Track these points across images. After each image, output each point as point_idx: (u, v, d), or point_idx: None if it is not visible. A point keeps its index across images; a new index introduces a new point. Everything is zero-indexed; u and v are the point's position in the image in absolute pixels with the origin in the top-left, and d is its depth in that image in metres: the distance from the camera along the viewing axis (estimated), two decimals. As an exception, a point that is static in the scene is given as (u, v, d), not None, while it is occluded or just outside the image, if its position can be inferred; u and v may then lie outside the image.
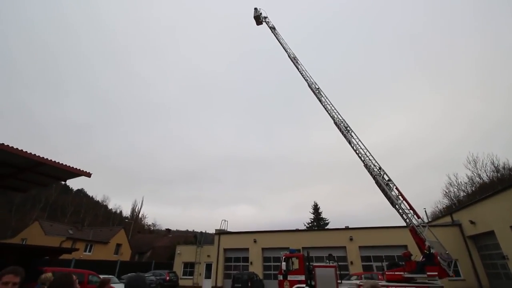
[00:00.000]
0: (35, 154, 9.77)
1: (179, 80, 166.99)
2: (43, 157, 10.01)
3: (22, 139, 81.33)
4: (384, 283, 12.57)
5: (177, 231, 76.72)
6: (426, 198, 79.45)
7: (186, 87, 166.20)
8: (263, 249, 25.42)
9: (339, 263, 22.50)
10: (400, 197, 14.32)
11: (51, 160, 10.24)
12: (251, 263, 24.93)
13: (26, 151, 9.52)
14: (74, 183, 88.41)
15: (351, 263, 22.20)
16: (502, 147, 49.02)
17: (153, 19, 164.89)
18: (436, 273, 11.63)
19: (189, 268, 27.37)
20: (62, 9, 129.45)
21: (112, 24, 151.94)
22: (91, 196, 76.90)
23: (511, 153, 57.14)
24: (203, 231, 31.51)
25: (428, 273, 11.73)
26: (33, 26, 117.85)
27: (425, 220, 33.63)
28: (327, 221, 45.94)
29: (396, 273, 12.59)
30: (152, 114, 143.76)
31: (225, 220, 30.08)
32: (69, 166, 10.89)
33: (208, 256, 26.77)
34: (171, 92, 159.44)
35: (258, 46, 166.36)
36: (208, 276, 26.10)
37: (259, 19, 23.97)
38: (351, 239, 22.99)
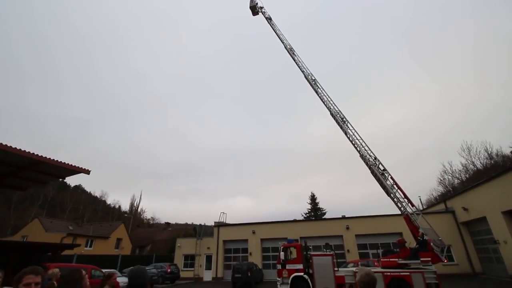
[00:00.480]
0: (34, 153, 9.87)
1: (174, 72, 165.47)
2: (41, 156, 10.11)
3: (20, 135, 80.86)
4: (379, 269, 13.01)
5: (177, 224, 77.44)
6: (423, 185, 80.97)
7: (181, 80, 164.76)
8: (261, 240, 25.88)
9: (337, 252, 22.97)
10: (395, 186, 14.63)
11: (49, 158, 10.35)
12: (250, 253, 25.41)
13: (25, 150, 9.61)
14: (71, 180, 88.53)
15: (348, 251, 22.74)
16: (501, 132, 49.64)
17: (145, 9, 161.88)
18: (429, 258, 12.04)
19: (189, 260, 27.83)
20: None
21: (105, 16, 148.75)
22: (89, 192, 77.14)
23: (508, 138, 57.83)
24: (203, 223, 31.93)
25: (421, 259, 12.15)
26: (28, 21, 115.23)
27: (420, 207, 34.35)
28: (324, 211, 46.65)
29: (391, 259, 12.99)
30: (148, 108, 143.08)
31: (223, 213, 30.43)
32: (68, 163, 11.01)
33: (208, 248, 27.21)
34: (166, 86, 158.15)
35: (253, 35, 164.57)
36: (208, 267, 26.61)
37: (255, 9, 23.77)
38: (347, 228, 23.48)
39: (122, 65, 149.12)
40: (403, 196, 14.34)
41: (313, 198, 48.36)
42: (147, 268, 21.93)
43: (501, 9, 78.05)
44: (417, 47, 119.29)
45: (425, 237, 12.55)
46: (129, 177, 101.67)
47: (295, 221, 28.39)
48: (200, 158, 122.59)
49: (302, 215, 47.70)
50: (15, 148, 9.30)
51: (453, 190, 37.45)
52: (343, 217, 25.52)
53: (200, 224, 31.98)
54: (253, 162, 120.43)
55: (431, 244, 12.23)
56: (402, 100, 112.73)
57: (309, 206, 48.40)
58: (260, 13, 23.60)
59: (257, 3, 23.71)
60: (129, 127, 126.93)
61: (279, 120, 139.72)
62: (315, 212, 46.85)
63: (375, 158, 15.80)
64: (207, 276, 26.24)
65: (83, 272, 2.46)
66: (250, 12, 24.33)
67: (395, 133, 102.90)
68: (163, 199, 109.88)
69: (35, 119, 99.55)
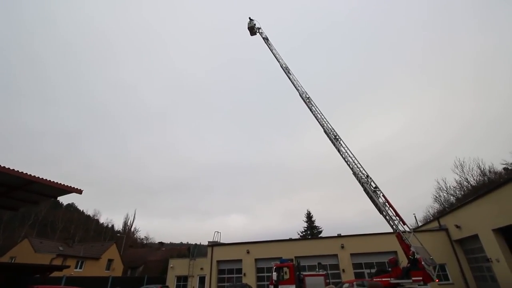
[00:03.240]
0: (25, 173, 9.94)
1: (164, 87, 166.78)
2: (33, 176, 10.17)
3: (7, 151, 79.85)
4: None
5: (171, 243, 75.85)
6: (420, 202, 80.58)
7: (172, 94, 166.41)
8: (256, 259, 25.45)
9: (332, 271, 22.78)
10: (386, 204, 14.81)
11: (41, 178, 10.40)
12: (245, 274, 24.88)
13: (17, 170, 9.69)
14: (64, 198, 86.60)
15: (343, 270, 22.42)
16: (502, 145, 50.25)
17: (138, 23, 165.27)
18: (421, 277, 12.03)
19: (182, 281, 27.12)
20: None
21: (99, 29, 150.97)
22: (81, 210, 75.58)
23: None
24: (197, 243, 31.46)
25: (413, 278, 12.13)
26: (15, 30, 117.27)
27: (416, 224, 34.29)
28: (320, 229, 46.16)
29: (383, 279, 12.93)
30: (138, 122, 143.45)
31: (218, 232, 30.04)
32: (60, 183, 11.05)
33: (201, 268, 26.63)
34: (156, 100, 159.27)
35: (247, 50, 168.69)
36: (201, 289, 25.94)
37: (253, 29, 24.72)
38: (342, 247, 23.26)
39: (112, 78, 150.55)
40: (394, 214, 14.50)
41: (309, 216, 47.98)
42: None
43: (501, 17, 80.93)
44: (413, 59, 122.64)
45: (416, 256, 12.59)
46: (121, 193, 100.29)
47: (290, 240, 28.06)
48: (193, 174, 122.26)
49: (298, 234, 47.13)
50: (7, 168, 9.37)
51: (450, 207, 37.50)
52: (338, 236, 25.31)
53: (195, 244, 31.54)
54: (246, 178, 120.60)
55: (422, 263, 12.27)
56: (397, 114, 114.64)
57: (305, 224, 47.89)
58: (258, 33, 24.56)
59: (255, 24, 24.68)
60: (120, 142, 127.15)
61: (272, 135, 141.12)
62: (311, 231, 46.33)
63: (367, 176, 16.07)
64: (200, 298, 25.54)
65: None
66: (242, 26, 25.50)
67: (390, 148, 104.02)
68: (156, 217, 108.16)
69: (24, 134, 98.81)
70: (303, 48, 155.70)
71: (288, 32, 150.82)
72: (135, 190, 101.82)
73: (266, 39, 23.60)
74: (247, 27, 25.18)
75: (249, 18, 25.14)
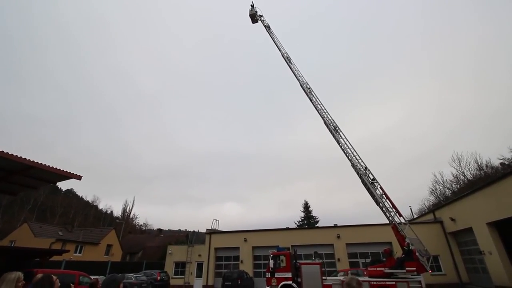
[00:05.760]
0: (25, 158, 9.94)
1: (162, 75, 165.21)
2: (32, 161, 10.17)
3: (7, 137, 79.62)
4: (366, 278, 13.20)
5: (169, 230, 76.77)
6: (417, 194, 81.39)
7: (168, 82, 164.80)
8: (253, 247, 25.83)
9: (327, 260, 23.19)
10: (383, 195, 14.93)
11: (41, 163, 10.40)
12: (242, 261, 25.32)
13: (16, 155, 9.68)
14: (63, 184, 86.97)
15: (339, 260, 22.83)
16: (498, 141, 50.25)
17: (141, 9, 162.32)
18: (414, 268, 12.27)
19: (180, 267, 27.60)
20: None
21: (96, 16, 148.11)
22: (81, 196, 76.08)
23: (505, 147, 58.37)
24: (196, 230, 31.82)
25: (407, 269, 12.37)
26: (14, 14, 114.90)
27: (411, 217, 34.75)
28: (317, 219, 46.78)
29: (377, 268, 13.19)
30: (135, 109, 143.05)
31: (216, 220, 30.38)
32: (59, 169, 11.06)
33: (199, 255, 27.05)
34: (153, 86, 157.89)
35: (244, 38, 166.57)
36: (199, 275, 26.42)
37: (254, 17, 24.20)
38: (338, 237, 23.62)
39: (106, 63, 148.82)
40: (391, 206, 14.63)
41: (306, 206, 48.49)
42: (136, 275, 21.76)
43: (500, 10, 79.78)
44: (414, 51, 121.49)
45: (411, 247, 12.80)
46: (119, 180, 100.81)
47: (287, 229, 28.42)
48: (187, 162, 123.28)
49: (295, 223, 47.75)
50: (6, 153, 9.36)
51: (445, 201, 37.91)
52: (334, 226, 25.68)
53: (193, 231, 31.93)
54: (241, 168, 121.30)
55: (416, 254, 12.48)
56: (395, 105, 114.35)
57: (302, 214, 48.50)
58: (259, 21, 24.08)
59: (256, 12, 24.15)
60: (116, 129, 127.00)
61: (268, 125, 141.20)
62: (308, 220, 46.93)
63: (366, 168, 16.11)
64: (198, 284, 26.01)
65: (54, 277, 2.59)
66: (239, 18, 25.03)
67: (388, 140, 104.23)
68: (153, 204, 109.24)
69: (19, 119, 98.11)
70: (299, 34, 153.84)
71: (283, 15, 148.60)
72: (132, 177, 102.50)
73: (267, 27, 23.15)
74: (248, 15, 24.65)
75: (251, 5, 24.55)
